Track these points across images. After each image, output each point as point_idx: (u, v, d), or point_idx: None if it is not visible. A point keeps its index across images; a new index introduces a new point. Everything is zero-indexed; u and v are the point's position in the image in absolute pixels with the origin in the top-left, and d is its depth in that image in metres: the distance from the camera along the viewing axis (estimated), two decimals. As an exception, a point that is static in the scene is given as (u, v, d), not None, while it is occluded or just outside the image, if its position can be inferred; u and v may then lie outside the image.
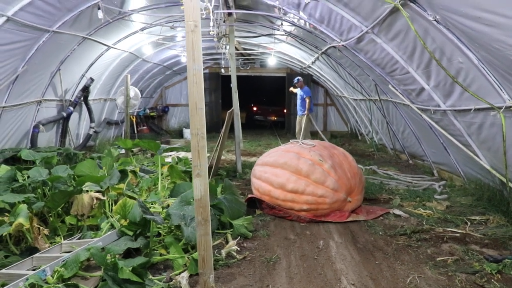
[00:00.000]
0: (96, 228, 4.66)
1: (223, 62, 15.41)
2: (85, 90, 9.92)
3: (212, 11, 6.81)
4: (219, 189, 5.30)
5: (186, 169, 6.84)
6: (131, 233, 4.23)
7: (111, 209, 4.88)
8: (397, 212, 5.74)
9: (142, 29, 9.78)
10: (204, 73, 17.64)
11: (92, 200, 4.72)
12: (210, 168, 7.99)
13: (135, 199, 5.33)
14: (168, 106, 18.06)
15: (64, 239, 4.40)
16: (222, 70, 16.59)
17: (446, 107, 5.79)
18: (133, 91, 10.86)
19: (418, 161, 9.23)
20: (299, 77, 12.13)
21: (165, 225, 4.50)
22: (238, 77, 17.93)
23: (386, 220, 5.52)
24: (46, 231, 4.23)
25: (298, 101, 12.02)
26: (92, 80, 9.85)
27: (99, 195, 4.79)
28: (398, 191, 6.98)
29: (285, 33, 9.80)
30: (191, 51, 2.87)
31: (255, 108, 22.87)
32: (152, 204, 5.03)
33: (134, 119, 14.15)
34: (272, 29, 9.86)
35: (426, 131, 7.42)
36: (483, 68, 4.24)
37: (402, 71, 6.37)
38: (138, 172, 6.14)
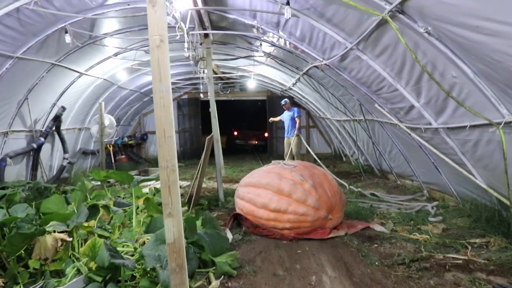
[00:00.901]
0: (62, 273, 4.14)
1: (201, 87, 15.05)
2: (57, 119, 9.40)
3: (187, 32, 6.48)
4: (199, 223, 4.83)
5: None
6: (100, 278, 3.72)
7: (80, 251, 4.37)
8: (378, 228, 5.84)
9: (116, 54, 9.39)
10: (183, 99, 17.42)
11: (57, 242, 4.22)
12: (190, 197, 7.53)
13: (106, 237, 4.84)
14: (147, 134, 17.56)
15: (25, 288, 3.88)
16: (201, 95, 16.23)
17: (438, 124, 5.48)
18: (108, 119, 10.38)
19: (406, 181, 8.92)
20: (286, 99, 11.83)
21: (139, 266, 4.02)
22: (218, 102, 17.58)
23: (381, 247, 5.12)
24: (0, 282, 3.70)
25: (288, 122, 11.60)
26: (64, 108, 9.35)
27: (64, 236, 4.28)
28: (390, 214, 6.61)
29: (265, 54, 9.51)
30: (157, 69, 2.48)
31: (235, 133, 22.61)
32: (125, 243, 4.53)
33: (111, 148, 13.59)
34: (251, 50, 9.57)
35: (415, 150, 7.13)
36: (480, 82, 3.94)
37: (389, 88, 6.07)
38: (111, 207, 5.63)
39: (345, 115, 10.58)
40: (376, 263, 4.57)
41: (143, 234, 5.13)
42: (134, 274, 4.02)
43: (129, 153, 16.09)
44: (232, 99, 18.26)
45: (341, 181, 9.62)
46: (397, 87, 5.76)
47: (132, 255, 4.40)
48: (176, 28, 5.97)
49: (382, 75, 5.85)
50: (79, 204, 5.52)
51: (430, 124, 5.69)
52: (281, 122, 12.11)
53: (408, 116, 6.35)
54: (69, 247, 4.40)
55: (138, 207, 6.00)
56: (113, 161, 13.39)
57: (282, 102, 11.76)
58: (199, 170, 7.51)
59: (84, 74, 9.48)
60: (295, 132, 11.31)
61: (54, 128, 9.61)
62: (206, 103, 8.73)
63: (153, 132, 17.74)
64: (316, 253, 5.03)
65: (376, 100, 7.08)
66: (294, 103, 16.23)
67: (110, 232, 4.97)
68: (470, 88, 4.17)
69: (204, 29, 7.41)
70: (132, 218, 5.63)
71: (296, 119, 11.30)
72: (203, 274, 4.30)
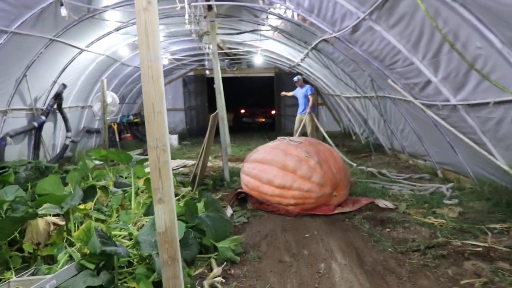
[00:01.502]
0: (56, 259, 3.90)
1: (207, 63, 14.65)
2: (58, 97, 9.12)
3: (189, 4, 6.10)
4: (201, 205, 4.55)
5: (166, 181, 6.10)
6: (92, 266, 3.47)
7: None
8: (382, 203, 5.83)
9: (117, 29, 9.03)
10: (188, 76, 17.07)
11: (49, 226, 3.97)
12: (194, 177, 7.28)
13: (103, 221, 4.60)
14: (153, 112, 17.26)
15: (18, 273, 3.66)
16: (207, 72, 15.87)
17: (457, 101, 5.08)
18: (111, 97, 10.09)
19: (419, 161, 8.57)
20: (298, 76, 11.61)
21: (136, 252, 3.78)
22: (224, 79, 17.22)
23: (394, 232, 4.83)
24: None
25: (301, 100, 11.38)
26: (64, 86, 9.05)
27: (57, 219, 4.04)
28: (402, 196, 6.31)
29: (271, 28, 9.07)
30: (144, 35, 2.15)
31: (242, 111, 22.31)
32: (123, 226, 4.28)
33: (115, 127, 13.34)
34: (257, 24, 9.12)
35: (430, 129, 6.75)
36: (509, 53, 3.53)
37: (404, 62, 5.65)
38: (110, 188, 5.38)
39: (355, 92, 10.17)
40: (389, 249, 4.30)
41: (142, 216, 4.89)
42: (131, 261, 3.79)
43: (134, 132, 15.82)
44: (239, 76, 17.86)
45: (349, 161, 9.31)
46: (413, 61, 5.33)
47: (131, 239, 4.17)
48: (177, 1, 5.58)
49: (396, 47, 5.42)
50: (76, 185, 5.27)
51: (448, 100, 5.28)
52: (289, 99, 11.86)
53: (424, 92, 5.95)
54: (63, 231, 4.16)
55: (139, 188, 5.75)
56: (117, 139, 13.15)
57: (295, 79, 11.53)
58: (203, 149, 7.24)
59: (85, 50, 9.14)
60: (308, 110, 11.11)
61: (55, 106, 9.35)
62: (213, 80, 8.39)
63: (159, 110, 17.47)
64: (325, 238, 4.76)
65: (389, 75, 6.67)
66: (302, 80, 15.84)
67: (107, 215, 4.72)
68: (497, 60, 3.77)
69: (207, 0, 6.99)
70: (132, 200, 5.39)
71: (309, 97, 11.07)
72: (204, 260, 4.06)
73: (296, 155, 5.68)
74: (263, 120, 21.20)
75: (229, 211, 5.67)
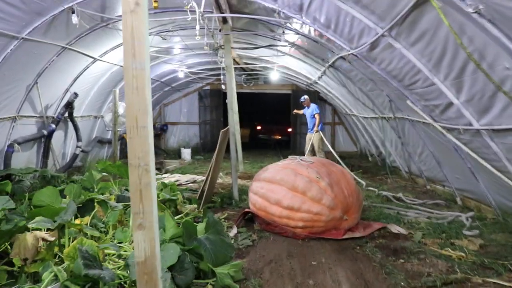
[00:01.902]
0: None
1: (223, 77, 14.51)
2: (69, 106, 9.02)
3: (202, 15, 5.92)
4: (201, 227, 4.27)
5: (170, 197, 5.86)
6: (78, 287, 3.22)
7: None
8: (395, 228, 5.60)
9: (131, 40, 8.91)
10: (204, 90, 16.94)
11: (38, 241, 3.75)
12: (201, 194, 7.03)
13: (98, 238, 4.36)
14: (167, 125, 17.17)
15: (2, 291, 3.44)
16: (223, 86, 15.69)
17: (480, 126, 4.73)
18: (122, 108, 9.95)
19: (437, 186, 8.16)
20: (305, 96, 11.89)
21: (127, 274, 3.51)
22: (241, 94, 17.07)
23: (408, 264, 4.47)
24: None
25: (309, 120, 11.68)
26: (76, 95, 8.95)
27: (46, 235, 3.81)
28: (418, 224, 5.93)
29: (288, 44, 8.86)
30: (130, 40, 1.92)
31: (259, 127, 22.16)
32: (112, 247, 4.01)
33: (127, 138, 13.19)
34: (274, 39, 8.91)
35: (449, 154, 6.39)
36: (541, 75, 3.23)
37: (425, 82, 5.34)
38: (110, 202, 5.14)
39: (373, 112, 9.84)
40: (402, 283, 3.95)
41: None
42: (122, 283, 3.53)
43: (147, 144, 15.71)
44: (256, 92, 17.69)
45: (358, 179, 8.95)
46: (433, 81, 5.01)
47: (125, 258, 3.91)
48: (188, 11, 5.40)
49: (417, 66, 5.11)
50: (75, 197, 5.07)
51: (470, 124, 4.93)
52: (305, 117, 11.95)
53: (444, 115, 5.61)
54: (55, 247, 3.94)
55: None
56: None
57: (301, 99, 11.87)
58: (212, 165, 7.00)
59: (99, 59, 9.06)
60: (315, 128, 11.29)
61: (66, 115, 9.25)
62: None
63: (174, 123, 17.42)
64: (333, 267, 4.42)
65: (409, 96, 6.35)
66: (319, 98, 15.62)
67: (103, 232, 4.48)
68: (527, 82, 3.46)
69: (222, 12, 6.81)
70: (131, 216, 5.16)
71: (315, 116, 11.30)
72: (201, 286, 3.77)
73: (307, 175, 5.47)
74: (279, 137, 20.98)
75: (234, 231, 5.48)
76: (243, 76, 15.93)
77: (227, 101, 7.65)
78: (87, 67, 8.99)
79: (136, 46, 1.93)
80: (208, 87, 17.19)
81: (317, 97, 15.48)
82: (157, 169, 11.21)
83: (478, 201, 6.45)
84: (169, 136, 17.41)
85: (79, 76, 8.98)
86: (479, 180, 5.89)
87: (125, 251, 3.96)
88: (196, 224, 4.46)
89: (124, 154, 13.46)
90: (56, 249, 4.01)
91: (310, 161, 5.99)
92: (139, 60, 1.94)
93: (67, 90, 8.95)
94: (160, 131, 16.82)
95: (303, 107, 12.04)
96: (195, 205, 6.50)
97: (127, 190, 7.17)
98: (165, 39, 8.69)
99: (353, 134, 16.15)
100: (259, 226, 5.73)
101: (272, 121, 22.60)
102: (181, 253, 3.56)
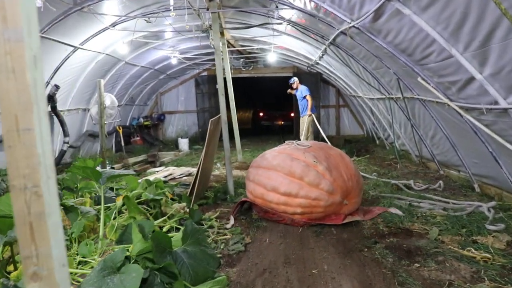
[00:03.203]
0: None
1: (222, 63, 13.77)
2: (50, 99, 8.38)
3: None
4: (178, 236, 3.62)
5: (153, 197, 5.22)
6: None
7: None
8: (394, 210, 5.45)
9: (113, 25, 8.23)
10: (201, 76, 16.26)
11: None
12: (192, 188, 6.39)
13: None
14: (164, 114, 16.52)
15: None
16: (221, 72, 14.98)
17: (509, 104, 3.99)
18: (109, 99, 9.30)
19: (452, 172, 7.46)
20: (294, 78, 11.68)
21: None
22: (240, 79, 16.35)
23: (425, 269, 3.79)
24: None
25: (299, 102, 11.45)
26: (57, 87, 8.31)
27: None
28: (434, 217, 5.24)
29: (284, 21, 8.09)
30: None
31: (261, 113, 21.51)
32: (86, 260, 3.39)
33: (120, 130, 12.57)
34: (267, 16, 8.14)
35: (467, 136, 5.67)
36: None
37: (440, 55, 4.56)
38: (82, 208, 4.51)
39: (379, 93, 9.08)
40: (420, 296, 3.28)
41: (114, 244, 4.01)
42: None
43: (144, 135, 15.10)
44: (256, 76, 16.93)
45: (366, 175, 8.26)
46: (451, 53, 4.22)
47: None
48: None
49: (430, 36, 4.32)
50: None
51: (496, 103, 4.18)
52: None
53: (463, 93, 4.86)
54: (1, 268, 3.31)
55: (116, 208, 4.87)
56: (122, 144, 12.40)
57: (290, 80, 11.65)
58: (202, 158, 6.34)
59: (80, 48, 8.39)
60: (308, 112, 11.03)
61: (49, 109, 8.62)
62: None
63: (171, 112, 16.76)
64: (337, 276, 3.77)
65: (420, 72, 5.58)
66: (322, 80, 14.89)
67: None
68: None
69: (205, -13, 6.08)
70: (108, 222, 4.53)
71: (307, 98, 11.03)
72: (177, 310, 3.13)
73: (304, 160, 5.31)
74: (282, 123, 20.31)
75: (231, 222, 5.32)
76: (241, 60, 15.19)
77: (217, 86, 6.94)
78: (68, 57, 8.34)
79: (7, 4, 1.24)
80: (205, 73, 16.49)
81: (319, 79, 14.73)
82: (151, 162, 10.59)
83: (500, 188, 5.76)
84: (167, 126, 16.78)
85: (60, 67, 8.34)
86: (502, 165, 5.18)
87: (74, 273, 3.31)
88: (172, 235, 3.80)
89: (119, 147, 12.89)
90: None
91: (307, 145, 5.76)
92: (13, 27, 1.25)
93: (47, 83, 8.30)
94: (157, 121, 16.20)
95: (293, 89, 11.75)
96: (184, 204, 5.85)
97: (111, 189, 6.57)
98: (149, 22, 7.96)
99: (359, 117, 15.40)
100: (257, 214, 5.59)
101: (274, 107, 21.86)
102: (148, 274, 2.91)
